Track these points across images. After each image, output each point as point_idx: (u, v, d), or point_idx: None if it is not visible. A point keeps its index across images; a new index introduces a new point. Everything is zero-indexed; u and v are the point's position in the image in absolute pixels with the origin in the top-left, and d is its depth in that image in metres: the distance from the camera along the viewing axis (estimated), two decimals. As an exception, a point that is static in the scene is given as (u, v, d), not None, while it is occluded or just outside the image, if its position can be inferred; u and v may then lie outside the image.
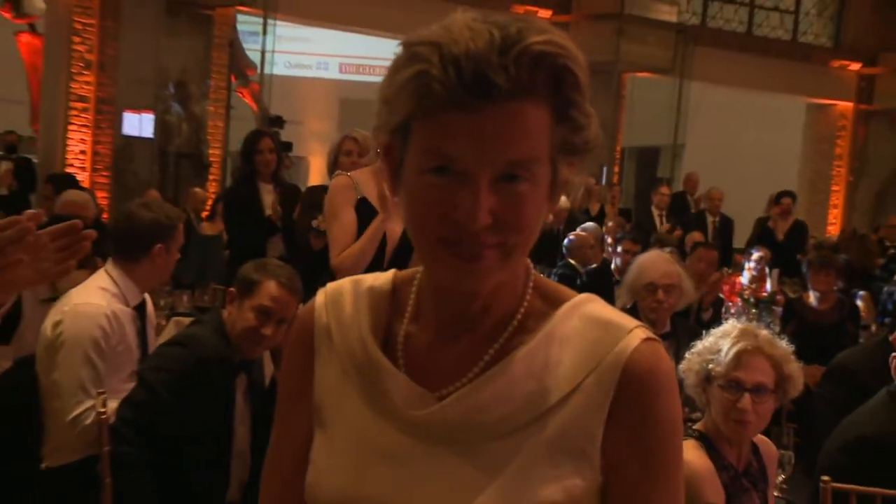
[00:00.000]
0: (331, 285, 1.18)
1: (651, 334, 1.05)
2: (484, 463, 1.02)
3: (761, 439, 2.63)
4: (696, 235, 8.14)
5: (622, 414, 1.02)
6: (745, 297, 6.13)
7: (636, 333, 1.04)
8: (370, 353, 1.09)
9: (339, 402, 1.11)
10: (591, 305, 1.08)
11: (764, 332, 2.54)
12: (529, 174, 0.97)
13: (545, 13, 12.63)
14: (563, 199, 8.71)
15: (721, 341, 2.52)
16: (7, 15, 13.21)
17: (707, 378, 2.52)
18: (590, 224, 7.66)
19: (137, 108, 10.69)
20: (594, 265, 6.65)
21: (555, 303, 1.08)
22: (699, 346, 2.59)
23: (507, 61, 0.93)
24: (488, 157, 0.95)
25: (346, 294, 1.15)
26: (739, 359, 2.47)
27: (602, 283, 6.00)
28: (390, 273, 1.16)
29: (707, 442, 2.50)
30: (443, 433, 1.04)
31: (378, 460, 1.06)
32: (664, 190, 10.30)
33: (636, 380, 1.02)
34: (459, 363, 1.06)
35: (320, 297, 1.17)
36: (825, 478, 2.79)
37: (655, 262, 3.99)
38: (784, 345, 2.54)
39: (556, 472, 1.01)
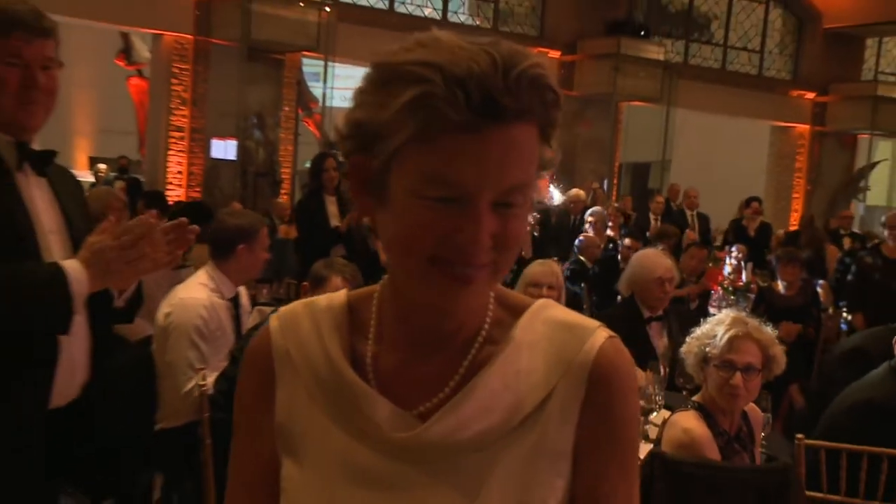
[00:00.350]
0: (283, 309, 0.96)
1: (612, 332, 0.91)
2: (466, 479, 0.85)
3: (750, 407, 2.58)
4: (690, 235, 8.11)
5: (591, 411, 0.87)
6: (725, 286, 6.04)
7: (599, 333, 0.89)
8: (343, 375, 0.88)
9: (309, 426, 0.90)
10: (552, 311, 0.91)
11: (752, 320, 2.49)
12: (523, 196, 0.81)
13: (555, 53, 12.63)
14: (582, 193, 8.97)
15: (716, 328, 2.47)
16: (121, 63, 13.44)
17: (704, 359, 2.47)
18: (597, 208, 7.91)
19: (223, 136, 10.73)
20: (605, 248, 6.68)
21: (515, 311, 0.91)
22: (697, 331, 2.54)
23: (509, 83, 0.76)
24: (491, 180, 0.78)
25: (302, 317, 0.93)
26: (732, 343, 2.42)
27: (611, 273, 5.94)
28: (342, 293, 0.95)
29: (705, 412, 2.46)
30: (425, 453, 0.86)
31: (354, 483, 0.87)
32: (659, 199, 10.21)
33: (603, 377, 0.87)
34: (432, 381, 0.88)
35: (274, 321, 0.94)
36: (799, 435, 2.72)
37: (658, 259, 3.85)
38: (769, 330, 2.49)
39: (543, 476, 0.86)
